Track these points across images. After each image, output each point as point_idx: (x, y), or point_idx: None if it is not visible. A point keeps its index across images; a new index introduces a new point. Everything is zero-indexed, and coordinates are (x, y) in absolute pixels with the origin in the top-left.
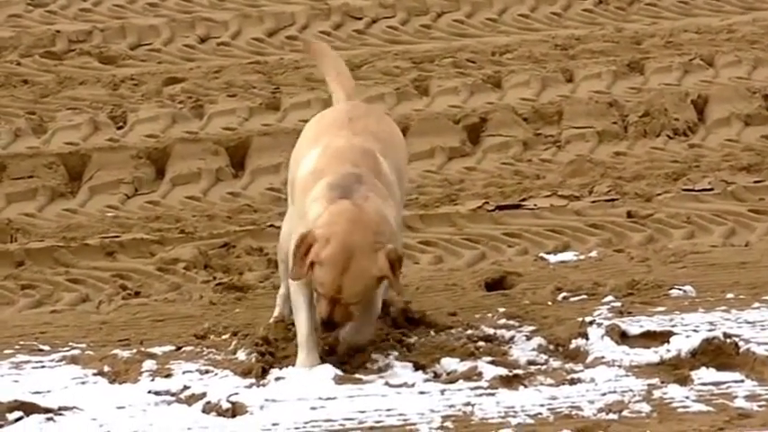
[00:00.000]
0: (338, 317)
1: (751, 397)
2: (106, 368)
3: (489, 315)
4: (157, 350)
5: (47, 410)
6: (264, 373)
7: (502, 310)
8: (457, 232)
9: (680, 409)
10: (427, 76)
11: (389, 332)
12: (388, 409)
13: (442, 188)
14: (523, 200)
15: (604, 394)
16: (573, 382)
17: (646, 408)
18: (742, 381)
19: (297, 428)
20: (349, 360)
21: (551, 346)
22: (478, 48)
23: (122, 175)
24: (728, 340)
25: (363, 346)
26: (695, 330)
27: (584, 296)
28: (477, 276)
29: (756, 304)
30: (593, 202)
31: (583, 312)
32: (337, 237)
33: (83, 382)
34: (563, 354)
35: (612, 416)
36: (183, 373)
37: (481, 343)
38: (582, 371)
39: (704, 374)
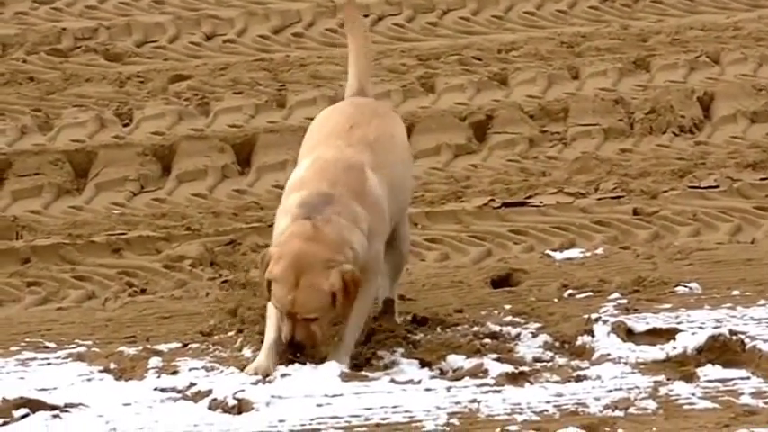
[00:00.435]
0: (300, 336)
1: (757, 394)
2: (112, 365)
3: (495, 312)
4: (163, 347)
5: (53, 407)
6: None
7: (508, 307)
8: (463, 229)
9: (686, 406)
10: (433, 73)
11: (395, 329)
12: (394, 406)
13: (448, 185)
14: (529, 197)
15: (610, 391)
16: (579, 379)
17: (652, 405)
18: (748, 378)
19: (303, 425)
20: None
21: (557, 343)
22: (484, 45)
23: (128, 173)
24: (734, 337)
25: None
26: (701, 327)
27: (590, 293)
28: (483, 273)
29: (762, 301)
30: (599, 199)
31: (589, 309)
32: (290, 254)
33: (89, 379)
34: (569, 351)
35: (618, 413)
36: (190, 370)
37: (487, 340)
38: (588, 368)
39: (710, 371)
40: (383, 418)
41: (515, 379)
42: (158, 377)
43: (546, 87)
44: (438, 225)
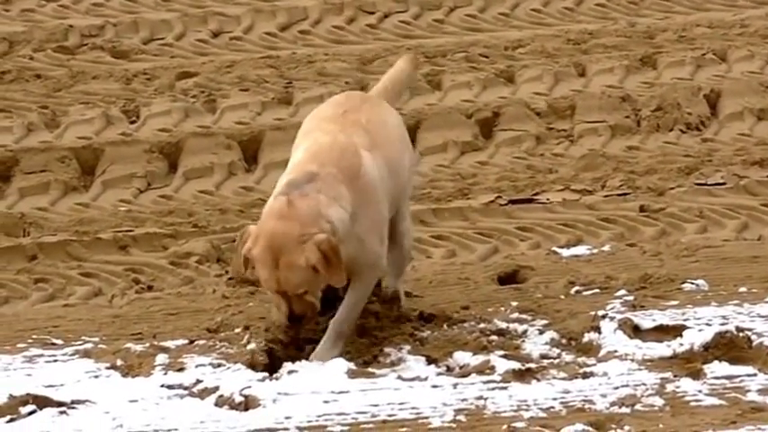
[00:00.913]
0: (298, 309)
1: (764, 391)
2: (119, 362)
3: (502, 309)
4: (170, 344)
5: (60, 404)
6: (277, 366)
7: (514, 303)
8: (470, 226)
9: (692, 403)
10: (440, 70)
11: (402, 326)
12: (401, 403)
13: (454, 182)
14: (536, 194)
15: (617, 388)
16: (585, 375)
17: (658, 401)
18: (755, 374)
19: (309, 422)
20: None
21: (564, 340)
22: (491, 42)
23: (135, 170)
24: (741, 334)
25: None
26: (708, 324)
27: (597, 290)
28: (490, 270)
29: None
30: (606, 196)
31: (595, 306)
32: (264, 234)
33: (96, 376)
34: (576, 347)
35: (625, 409)
36: (196, 366)
37: (494, 337)
38: (594, 365)
39: (717, 368)
40: (390, 415)
41: (522, 376)
42: (165, 374)
43: (552, 84)
44: (445, 222)
